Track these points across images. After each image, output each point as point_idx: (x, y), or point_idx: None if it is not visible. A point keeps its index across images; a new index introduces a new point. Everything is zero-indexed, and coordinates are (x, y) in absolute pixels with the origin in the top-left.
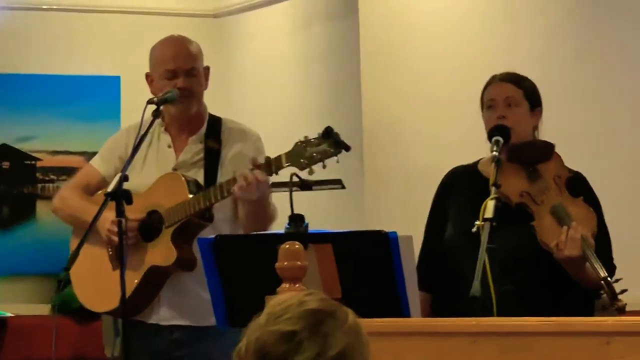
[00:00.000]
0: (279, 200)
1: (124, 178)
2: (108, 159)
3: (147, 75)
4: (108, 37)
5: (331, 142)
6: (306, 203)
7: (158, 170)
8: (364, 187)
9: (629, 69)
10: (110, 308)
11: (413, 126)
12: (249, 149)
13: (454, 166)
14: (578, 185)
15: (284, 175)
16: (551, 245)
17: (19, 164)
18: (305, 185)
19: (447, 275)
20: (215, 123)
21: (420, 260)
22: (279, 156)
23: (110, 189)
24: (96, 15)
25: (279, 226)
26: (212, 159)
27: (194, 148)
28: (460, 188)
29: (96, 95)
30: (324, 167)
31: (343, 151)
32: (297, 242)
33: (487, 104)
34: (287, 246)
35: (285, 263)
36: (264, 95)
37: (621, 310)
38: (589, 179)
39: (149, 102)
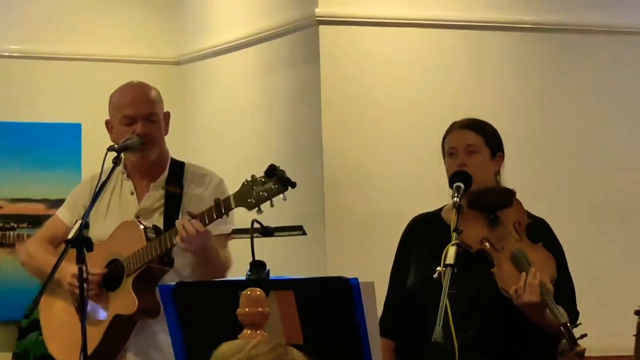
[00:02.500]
0: (241, 247)
1: (84, 225)
2: (73, 210)
3: (107, 122)
4: (69, 84)
5: (276, 179)
6: (267, 249)
7: (121, 217)
8: (325, 233)
9: (592, 113)
10: None
11: (374, 171)
12: (209, 193)
13: (415, 212)
14: (538, 231)
15: (245, 221)
16: (510, 292)
17: None
18: (266, 232)
19: (410, 321)
20: (177, 168)
21: (385, 307)
22: (228, 197)
23: (70, 236)
24: (57, 62)
25: (241, 272)
26: (172, 204)
27: (156, 194)
28: (422, 235)
29: (57, 142)
30: (272, 205)
31: (290, 194)
32: (258, 289)
33: (448, 152)
34: (249, 292)
35: (247, 309)
36: (226, 140)
37: (581, 356)
38: (551, 225)
39: (110, 149)
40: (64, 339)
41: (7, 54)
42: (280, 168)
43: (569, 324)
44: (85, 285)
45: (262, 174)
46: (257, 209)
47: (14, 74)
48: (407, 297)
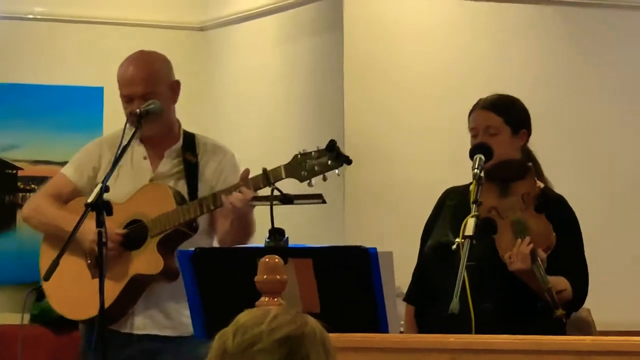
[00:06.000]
0: (260, 214)
1: (105, 189)
2: (81, 169)
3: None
4: (92, 47)
5: (333, 155)
6: (287, 217)
7: (133, 180)
8: (345, 202)
9: (615, 89)
10: (87, 316)
11: (395, 141)
12: (226, 164)
13: (436, 182)
14: (548, 204)
15: (264, 189)
16: (505, 258)
17: (0, 173)
18: (286, 199)
19: (424, 287)
20: (189, 138)
21: (413, 274)
22: (278, 167)
23: (90, 199)
24: (81, 25)
25: (259, 239)
26: (191, 172)
27: (172, 161)
28: (451, 206)
29: (79, 105)
30: (325, 179)
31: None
32: (277, 256)
33: (471, 131)
34: (267, 260)
35: (265, 276)
36: (248, 107)
37: (559, 320)
38: (575, 200)
39: (132, 113)
40: (72, 295)
41: (31, 16)
42: (338, 145)
43: (552, 290)
44: (104, 248)
45: (316, 148)
46: (308, 181)
47: (37, 37)
48: (423, 262)
